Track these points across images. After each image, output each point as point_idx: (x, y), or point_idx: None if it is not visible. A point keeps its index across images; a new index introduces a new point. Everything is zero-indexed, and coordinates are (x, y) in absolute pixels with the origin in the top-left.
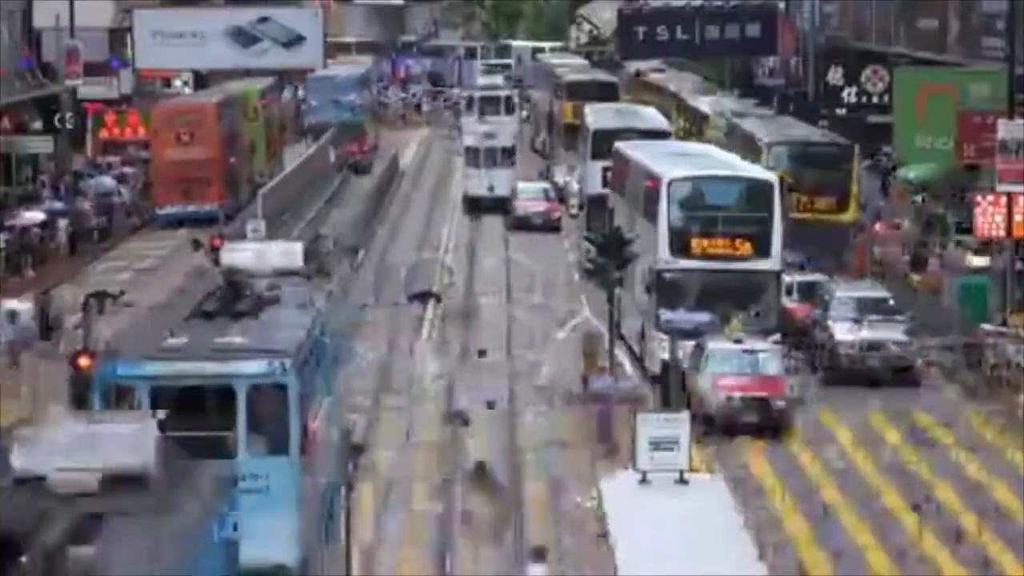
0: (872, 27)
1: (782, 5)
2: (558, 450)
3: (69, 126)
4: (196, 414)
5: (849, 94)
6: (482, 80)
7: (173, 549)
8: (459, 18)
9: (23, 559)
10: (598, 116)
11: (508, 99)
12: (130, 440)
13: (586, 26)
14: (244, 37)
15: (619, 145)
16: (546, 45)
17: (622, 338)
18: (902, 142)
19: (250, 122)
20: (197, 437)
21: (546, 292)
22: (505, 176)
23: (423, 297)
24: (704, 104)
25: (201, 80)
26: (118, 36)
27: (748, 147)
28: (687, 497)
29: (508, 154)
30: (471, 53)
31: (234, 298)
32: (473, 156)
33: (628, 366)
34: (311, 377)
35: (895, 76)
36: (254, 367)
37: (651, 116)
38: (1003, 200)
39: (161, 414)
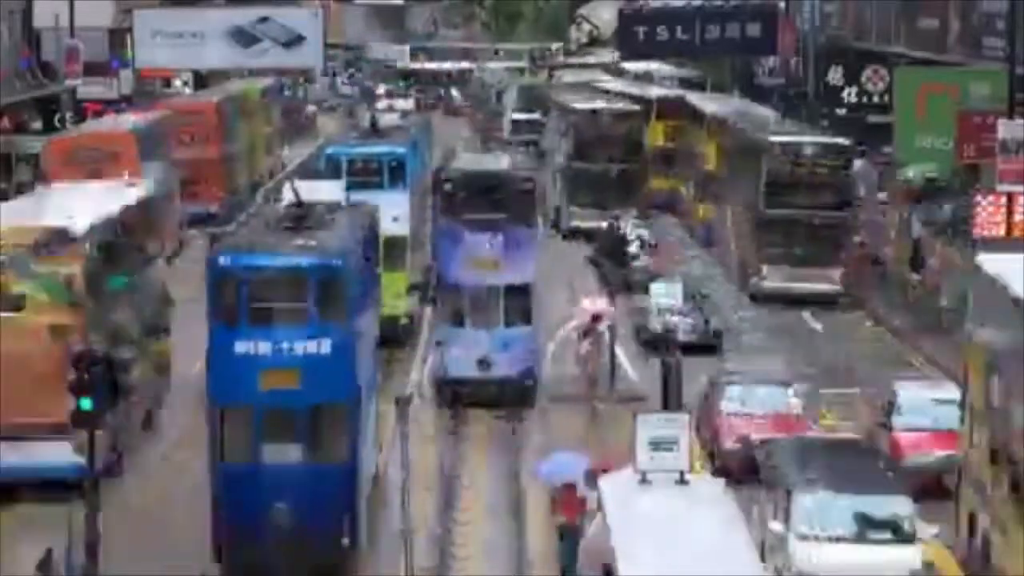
0: (872, 27)
1: (782, 5)
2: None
3: (69, 126)
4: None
5: (849, 94)
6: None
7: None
8: (459, 18)
9: None
10: None
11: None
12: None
13: (586, 26)
14: (244, 37)
15: None
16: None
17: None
18: (902, 142)
19: (251, 122)
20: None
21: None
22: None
23: (424, 288)
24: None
25: (201, 80)
26: (118, 36)
27: None
28: (687, 497)
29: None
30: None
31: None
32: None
33: (629, 368)
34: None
35: (895, 76)
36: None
37: None
38: (1003, 200)
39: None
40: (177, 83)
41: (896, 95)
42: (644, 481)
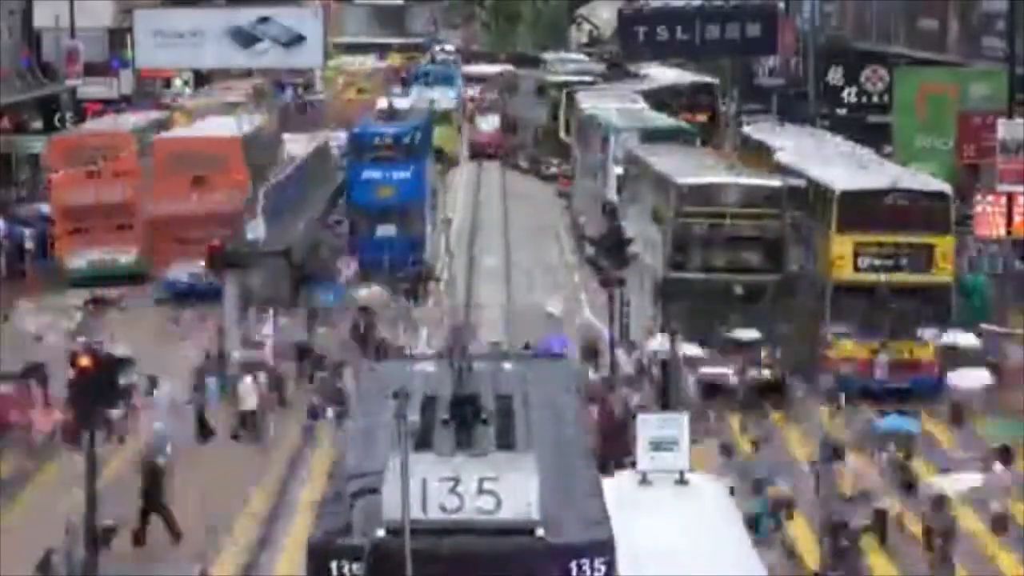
0: (872, 27)
1: (782, 5)
2: None
3: (69, 126)
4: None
5: (849, 94)
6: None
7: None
8: (459, 18)
9: None
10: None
11: None
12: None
13: (585, 26)
14: (244, 37)
15: None
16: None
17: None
18: (902, 142)
19: None
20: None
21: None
22: None
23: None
24: None
25: (201, 80)
26: (118, 36)
27: None
28: (687, 497)
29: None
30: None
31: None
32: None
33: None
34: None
35: (895, 76)
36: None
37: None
38: (1003, 200)
39: None
40: (177, 83)
41: (896, 95)
42: (644, 481)
